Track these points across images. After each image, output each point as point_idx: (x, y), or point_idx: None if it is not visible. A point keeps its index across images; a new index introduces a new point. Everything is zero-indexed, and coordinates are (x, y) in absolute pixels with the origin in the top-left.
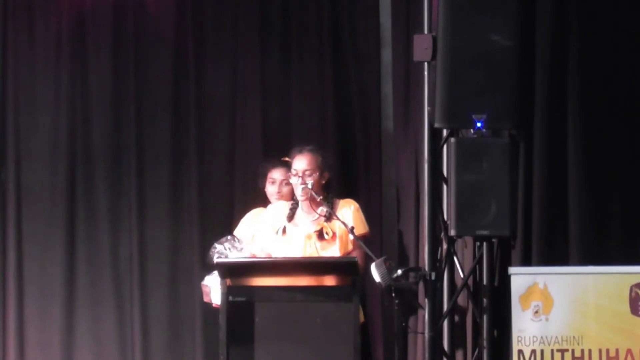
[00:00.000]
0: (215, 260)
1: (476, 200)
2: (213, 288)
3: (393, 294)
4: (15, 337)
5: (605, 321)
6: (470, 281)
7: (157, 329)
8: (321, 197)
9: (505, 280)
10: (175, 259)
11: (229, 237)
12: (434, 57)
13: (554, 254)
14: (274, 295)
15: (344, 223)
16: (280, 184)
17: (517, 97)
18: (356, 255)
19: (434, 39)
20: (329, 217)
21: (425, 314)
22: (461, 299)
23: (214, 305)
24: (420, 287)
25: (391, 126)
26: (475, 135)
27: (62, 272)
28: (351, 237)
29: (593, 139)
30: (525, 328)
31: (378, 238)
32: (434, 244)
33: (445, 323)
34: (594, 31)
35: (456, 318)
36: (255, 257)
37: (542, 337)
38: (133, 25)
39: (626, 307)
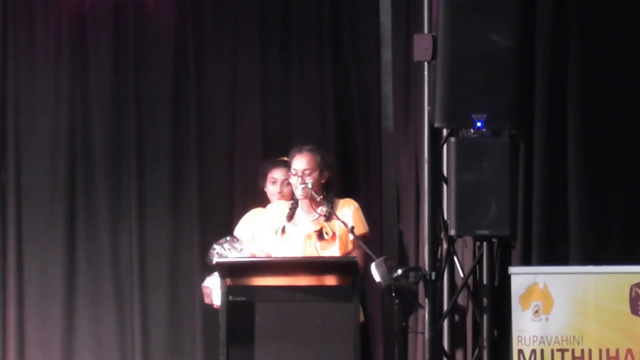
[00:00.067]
0: (216, 260)
1: (476, 200)
2: (214, 289)
3: (393, 294)
4: (15, 337)
5: (605, 321)
6: (470, 281)
7: (157, 329)
8: (321, 197)
9: (505, 280)
10: (175, 259)
11: (228, 238)
12: (434, 57)
13: (554, 254)
14: (274, 295)
15: (344, 223)
16: (282, 183)
17: (517, 97)
18: (356, 255)
19: (434, 39)
20: (328, 217)
21: (425, 314)
22: (461, 299)
23: (215, 306)
24: (420, 287)
25: (391, 126)
26: (475, 135)
27: (62, 272)
28: (351, 236)
29: (593, 139)
30: (526, 328)
31: (378, 238)
32: (434, 243)
33: (445, 323)
34: (594, 31)
35: (456, 318)
36: (255, 257)
37: (542, 337)
38: (133, 25)
39: (626, 307)
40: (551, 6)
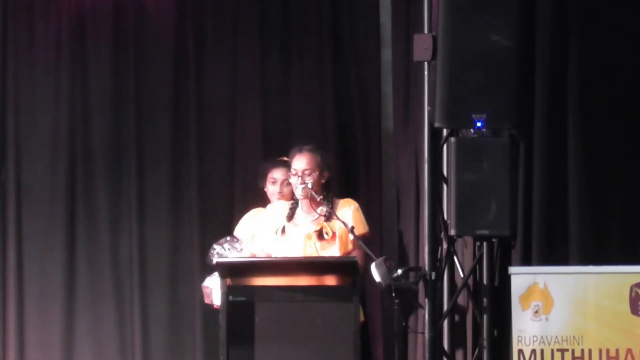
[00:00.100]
0: (216, 260)
1: (476, 200)
2: (214, 289)
3: (393, 294)
4: (15, 337)
5: (605, 321)
6: (470, 281)
7: (157, 329)
8: (321, 197)
9: (505, 280)
10: (175, 259)
11: (228, 238)
12: (434, 57)
13: (554, 254)
14: (274, 295)
15: (344, 223)
16: (282, 183)
17: (517, 97)
18: (356, 255)
19: (434, 39)
20: (328, 217)
21: (425, 314)
22: (461, 299)
23: (215, 306)
24: (420, 287)
25: (391, 126)
26: (475, 135)
27: (62, 272)
28: (351, 237)
29: (593, 139)
30: (526, 328)
31: (378, 238)
32: (434, 244)
33: (445, 323)
34: (594, 31)
35: (456, 318)
36: (255, 257)
37: (542, 337)
38: (133, 25)
39: (626, 307)
40: (551, 6)
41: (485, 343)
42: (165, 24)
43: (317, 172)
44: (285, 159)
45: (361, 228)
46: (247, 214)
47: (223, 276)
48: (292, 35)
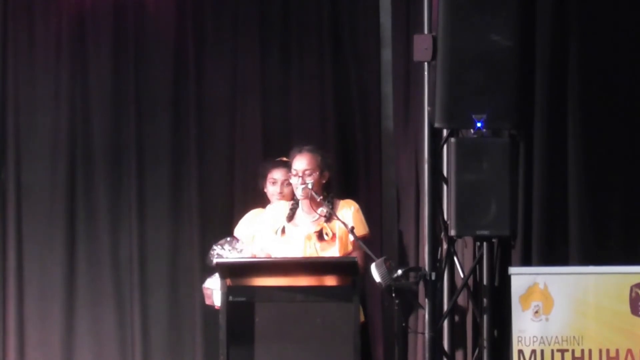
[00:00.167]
0: (216, 260)
1: (476, 200)
2: (215, 290)
3: (393, 294)
4: (15, 337)
5: (605, 321)
6: (470, 281)
7: (157, 329)
8: (321, 197)
9: (505, 280)
10: (175, 259)
11: (228, 239)
12: (434, 57)
13: (554, 254)
14: (274, 295)
15: (344, 223)
16: (282, 184)
17: (517, 97)
18: (356, 255)
19: (434, 39)
20: (329, 218)
21: (425, 314)
22: (461, 299)
23: (216, 307)
24: (420, 287)
25: (391, 126)
26: (475, 135)
27: (62, 272)
28: (351, 237)
29: (593, 139)
30: (526, 328)
31: (378, 238)
32: (434, 244)
33: (445, 323)
34: (594, 31)
35: (456, 318)
36: (255, 257)
37: (542, 337)
38: (133, 25)
39: (626, 307)
40: (551, 6)
41: (485, 343)
42: (165, 24)
43: (317, 173)
44: (285, 159)
45: (361, 229)
46: (247, 214)
47: (223, 276)
48: (292, 35)
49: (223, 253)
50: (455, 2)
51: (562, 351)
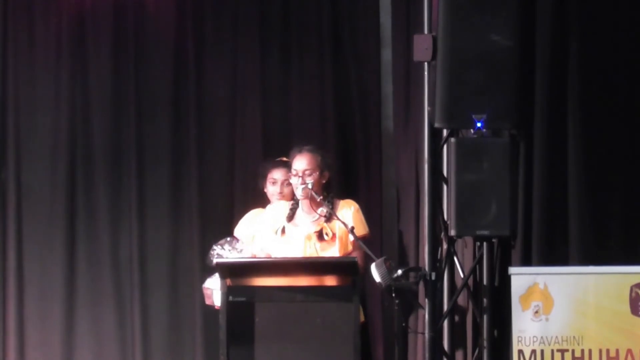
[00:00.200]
0: (216, 260)
1: (476, 200)
2: (215, 290)
3: (393, 294)
4: (15, 337)
5: (605, 321)
6: (470, 281)
7: (157, 329)
8: (321, 197)
9: (505, 280)
10: (175, 259)
11: (228, 239)
12: (434, 57)
13: (554, 254)
14: (274, 295)
15: (344, 223)
16: (282, 184)
17: (517, 97)
18: (356, 255)
19: (434, 39)
20: (329, 218)
21: (425, 314)
22: (461, 299)
23: (216, 307)
24: (420, 287)
25: (391, 126)
26: (475, 135)
27: (62, 272)
28: (351, 237)
29: (593, 139)
30: (526, 328)
31: (378, 238)
32: (434, 244)
33: (445, 323)
34: (594, 31)
35: (456, 318)
36: (255, 257)
37: (542, 337)
38: (133, 25)
39: (626, 307)
40: (551, 6)
41: (485, 343)
42: (165, 24)
43: (317, 173)
44: (285, 159)
45: (361, 229)
46: (247, 214)
47: (223, 276)
48: (292, 35)
49: (223, 253)
50: (455, 2)
51: (562, 351)
